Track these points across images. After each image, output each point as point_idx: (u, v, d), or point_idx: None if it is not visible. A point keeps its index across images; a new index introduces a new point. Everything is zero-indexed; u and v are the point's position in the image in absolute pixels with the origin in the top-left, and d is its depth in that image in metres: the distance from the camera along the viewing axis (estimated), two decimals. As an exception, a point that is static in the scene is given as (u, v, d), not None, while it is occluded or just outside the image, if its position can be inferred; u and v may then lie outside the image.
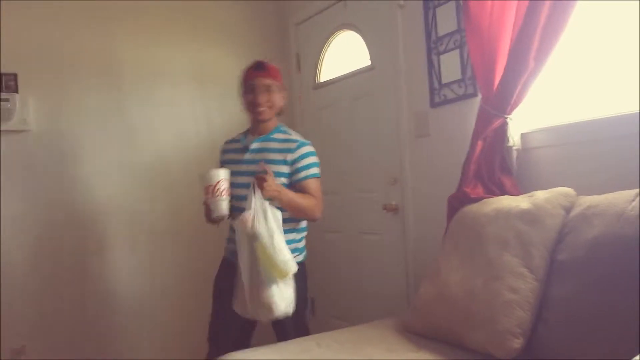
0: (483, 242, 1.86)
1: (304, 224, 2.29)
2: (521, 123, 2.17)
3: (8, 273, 2.85)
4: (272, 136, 2.24)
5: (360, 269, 3.16)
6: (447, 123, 2.53)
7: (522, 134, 2.18)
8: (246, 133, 2.35)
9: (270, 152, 2.20)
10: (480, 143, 2.16)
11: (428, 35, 2.58)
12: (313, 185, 2.20)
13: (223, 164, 2.33)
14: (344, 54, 3.33)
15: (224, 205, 2.07)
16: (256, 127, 2.28)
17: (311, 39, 3.52)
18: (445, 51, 2.50)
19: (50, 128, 2.99)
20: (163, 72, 3.31)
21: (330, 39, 3.38)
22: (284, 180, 2.16)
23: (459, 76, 2.43)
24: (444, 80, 2.51)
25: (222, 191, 2.05)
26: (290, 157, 2.17)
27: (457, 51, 2.43)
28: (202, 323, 2.37)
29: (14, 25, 2.89)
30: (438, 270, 2.01)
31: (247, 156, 2.23)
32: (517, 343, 1.63)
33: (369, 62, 3.05)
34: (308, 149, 2.22)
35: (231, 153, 2.33)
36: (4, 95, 2.84)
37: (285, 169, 2.17)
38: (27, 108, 2.90)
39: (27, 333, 2.88)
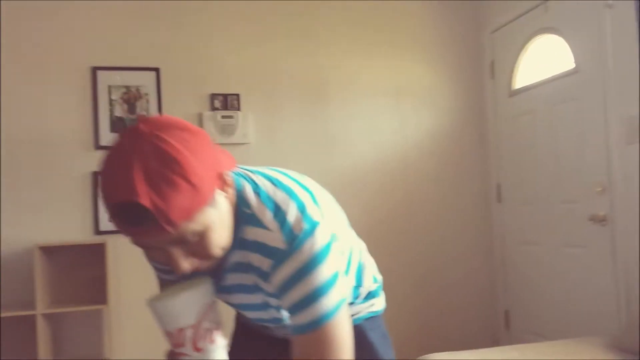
0: None
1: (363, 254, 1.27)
2: None
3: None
4: (242, 237, 1.02)
5: (561, 284, 3.01)
6: (666, 128, 2.33)
7: None
8: None
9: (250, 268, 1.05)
10: None
11: (643, 34, 2.40)
12: (329, 334, 0.98)
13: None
14: (541, 59, 3.21)
15: None
16: None
17: (507, 45, 3.46)
18: (664, 50, 2.30)
19: (265, 140, 3.38)
20: (363, 87, 3.53)
21: (528, 44, 3.29)
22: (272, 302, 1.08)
23: (681, 76, 2.22)
24: (663, 82, 2.32)
25: (210, 332, 0.98)
26: (270, 286, 1.03)
27: (679, 49, 2.23)
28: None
29: (237, 51, 3.35)
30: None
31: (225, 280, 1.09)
32: None
33: (570, 66, 2.91)
34: (309, 250, 0.96)
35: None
36: (229, 112, 3.29)
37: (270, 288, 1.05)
38: (247, 124, 3.32)
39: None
